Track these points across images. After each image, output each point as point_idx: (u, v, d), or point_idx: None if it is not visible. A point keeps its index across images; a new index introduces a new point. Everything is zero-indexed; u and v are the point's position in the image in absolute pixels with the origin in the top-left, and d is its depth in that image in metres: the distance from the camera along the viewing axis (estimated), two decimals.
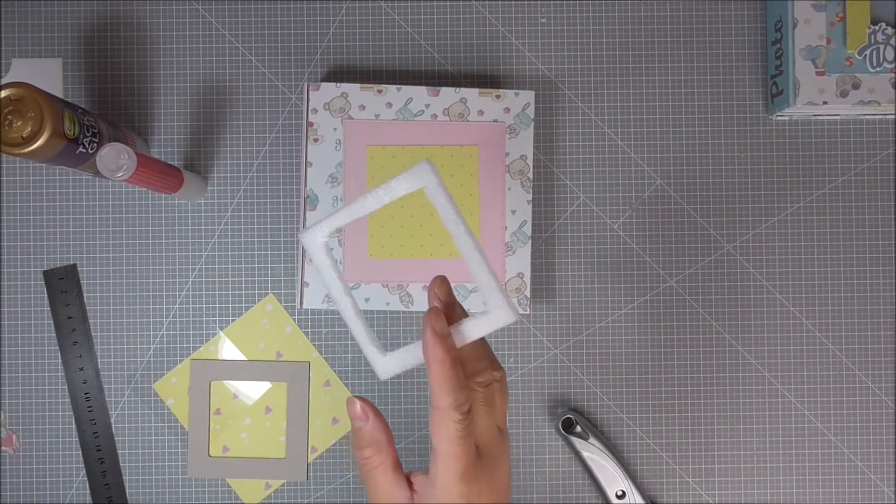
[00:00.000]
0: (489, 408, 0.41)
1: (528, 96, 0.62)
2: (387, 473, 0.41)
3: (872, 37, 0.61)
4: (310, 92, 0.62)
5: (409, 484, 0.41)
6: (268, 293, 0.66)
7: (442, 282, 0.43)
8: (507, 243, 0.62)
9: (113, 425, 0.66)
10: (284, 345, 0.66)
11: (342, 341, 0.66)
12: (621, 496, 0.63)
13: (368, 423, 0.41)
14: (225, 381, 0.66)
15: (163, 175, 0.57)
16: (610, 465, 0.63)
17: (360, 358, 0.66)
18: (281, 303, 0.66)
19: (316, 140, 0.62)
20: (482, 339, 0.43)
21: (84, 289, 0.66)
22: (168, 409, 0.66)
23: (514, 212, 0.62)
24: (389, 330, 0.66)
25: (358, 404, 0.41)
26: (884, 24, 0.61)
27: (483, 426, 0.41)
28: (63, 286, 0.66)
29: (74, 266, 0.66)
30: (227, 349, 0.66)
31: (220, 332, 0.66)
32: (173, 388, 0.66)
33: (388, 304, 0.62)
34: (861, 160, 0.66)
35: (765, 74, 0.67)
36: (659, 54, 0.67)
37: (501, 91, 0.62)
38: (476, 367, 0.41)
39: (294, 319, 0.66)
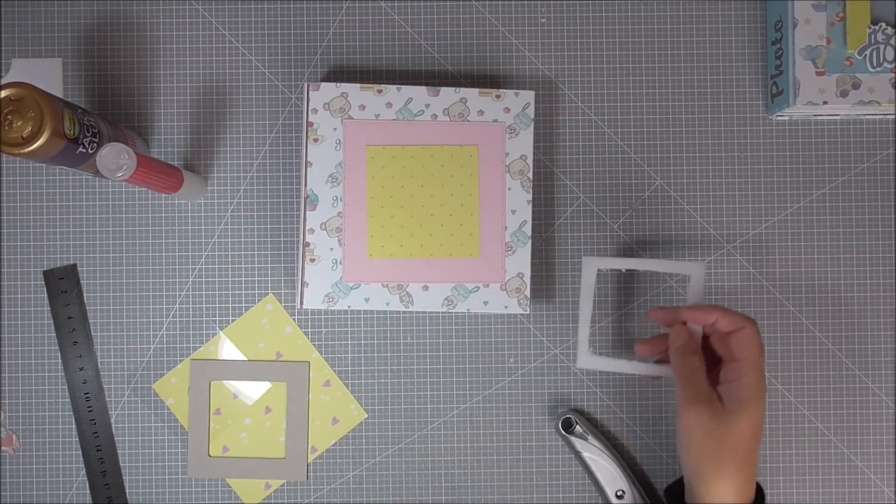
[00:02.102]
0: None
1: (528, 96, 0.62)
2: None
3: (872, 37, 0.61)
4: (310, 92, 0.62)
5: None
6: (268, 293, 0.66)
7: None
8: (507, 243, 0.62)
9: (113, 425, 0.66)
10: (284, 345, 0.66)
11: (342, 341, 0.66)
12: (621, 496, 0.63)
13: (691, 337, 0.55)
14: (225, 381, 0.66)
15: (163, 175, 0.57)
16: (610, 465, 0.63)
17: (360, 358, 0.66)
18: (281, 303, 0.66)
19: (316, 140, 0.62)
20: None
21: (84, 289, 0.66)
22: (168, 409, 0.66)
23: (514, 212, 0.62)
24: (389, 330, 0.66)
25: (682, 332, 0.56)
26: (884, 24, 0.61)
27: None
28: (63, 286, 0.66)
29: (74, 266, 0.66)
30: (227, 349, 0.66)
31: (220, 332, 0.66)
32: (173, 388, 0.66)
33: (388, 304, 0.62)
34: (861, 160, 0.66)
35: (765, 74, 0.67)
36: (659, 54, 0.67)
37: (501, 91, 0.62)
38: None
39: (294, 319, 0.66)
